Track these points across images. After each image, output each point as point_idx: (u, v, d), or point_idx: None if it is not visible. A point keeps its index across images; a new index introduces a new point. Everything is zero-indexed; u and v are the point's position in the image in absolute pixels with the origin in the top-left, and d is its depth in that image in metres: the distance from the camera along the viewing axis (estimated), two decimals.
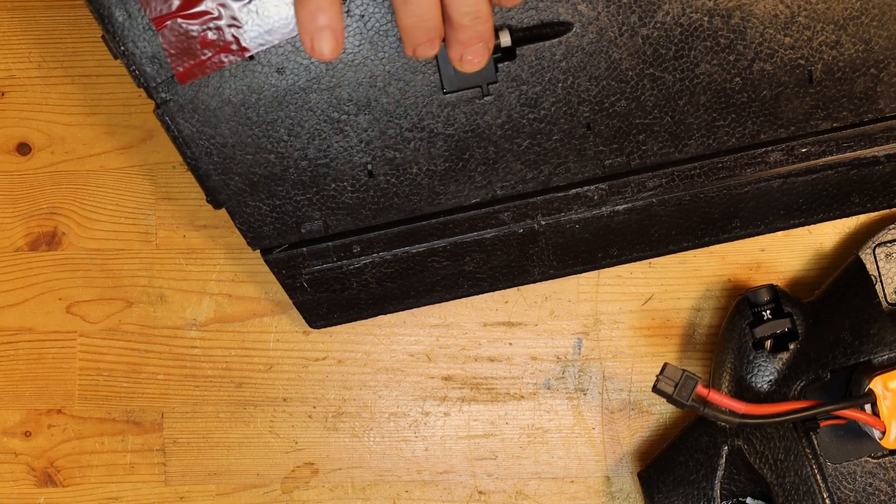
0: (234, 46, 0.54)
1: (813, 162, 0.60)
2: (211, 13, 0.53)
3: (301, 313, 0.63)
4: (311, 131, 0.57)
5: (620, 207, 0.60)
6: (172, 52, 0.54)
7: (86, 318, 0.67)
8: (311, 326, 0.64)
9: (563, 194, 0.59)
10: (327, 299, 0.62)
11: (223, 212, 0.65)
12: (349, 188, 0.58)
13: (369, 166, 0.58)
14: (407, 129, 0.57)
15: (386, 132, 0.57)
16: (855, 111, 0.59)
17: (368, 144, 0.57)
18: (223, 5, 0.53)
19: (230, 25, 0.53)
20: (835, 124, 0.59)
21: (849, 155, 0.60)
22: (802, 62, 0.57)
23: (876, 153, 0.60)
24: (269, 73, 0.56)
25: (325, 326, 0.64)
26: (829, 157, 0.60)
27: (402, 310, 0.63)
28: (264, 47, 0.54)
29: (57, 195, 0.67)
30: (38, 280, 0.67)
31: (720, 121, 0.58)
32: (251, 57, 0.55)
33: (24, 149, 0.67)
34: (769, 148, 0.59)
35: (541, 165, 0.58)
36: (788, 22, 0.57)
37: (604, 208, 0.60)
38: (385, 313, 0.64)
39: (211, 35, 0.53)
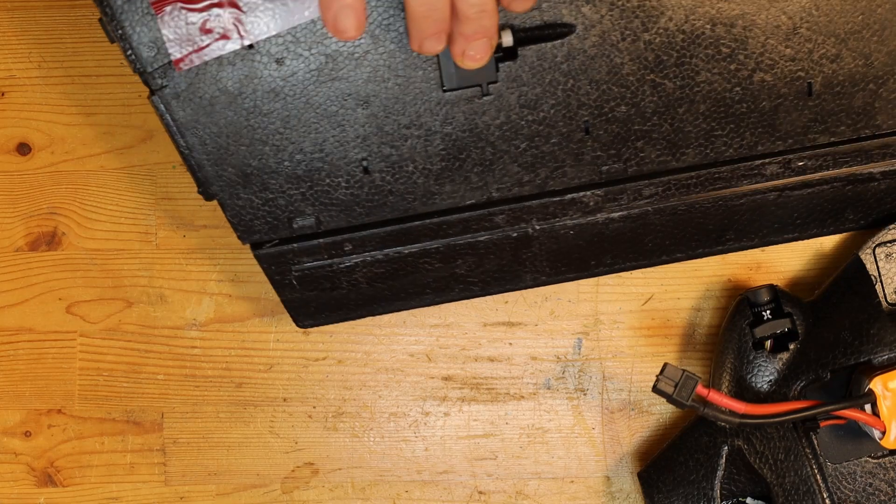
0: (233, 34, 0.54)
1: (809, 176, 0.60)
2: None
3: (289, 312, 0.62)
4: (307, 124, 0.57)
5: (615, 215, 0.60)
6: (171, 37, 0.53)
7: (86, 318, 0.67)
8: (298, 326, 0.63)
9: (558, 199, 0.59)
10: (316, 298, 0.62)
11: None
12: (343, 184, 0.58)
13: (365, 162, 0.58)
14: (404, 125, 0.57)
15: (383, 128, 0.57)
16: (853, 126, 0.59)
17: (365, 140, 0.57)
18: None
19: (231, 13, 0.53)
20: (832, 139, 0.59)
21: (845, 170, 0.60)
22: (802, 74, 0.57)
23: (871, 170, 0.60)
24: (267, 63, 0.55)
25: (312, 326, 0.63)
26: (825, 172, 0.60)
27: (392, 311, 0.63)
28: (264, 36, 0.54)
29: (57, 195, 0.67)
30: (38, 280, 0.67)
31: (718, 130, 0.58)
32: (250, 46, 0.55)
33: (24, 149, 0.67)
34: (766, 160, 0.59)
35: (537, 169, 0.58)
36: (790, 33, 0.57)
37: (599, 215, 0.60)
38: (374, 314, 0.63)
39: (211, 22, 0.53)
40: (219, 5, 0.53)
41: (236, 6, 0.53)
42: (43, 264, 0.67)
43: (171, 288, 0.67)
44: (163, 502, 0.67)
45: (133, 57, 0.54)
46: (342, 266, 0.60)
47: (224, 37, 0.53)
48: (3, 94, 0.67)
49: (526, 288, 0.62)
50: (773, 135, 0.58)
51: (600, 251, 0.61)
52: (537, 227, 0.60)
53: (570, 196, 0.59)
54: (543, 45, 0.56)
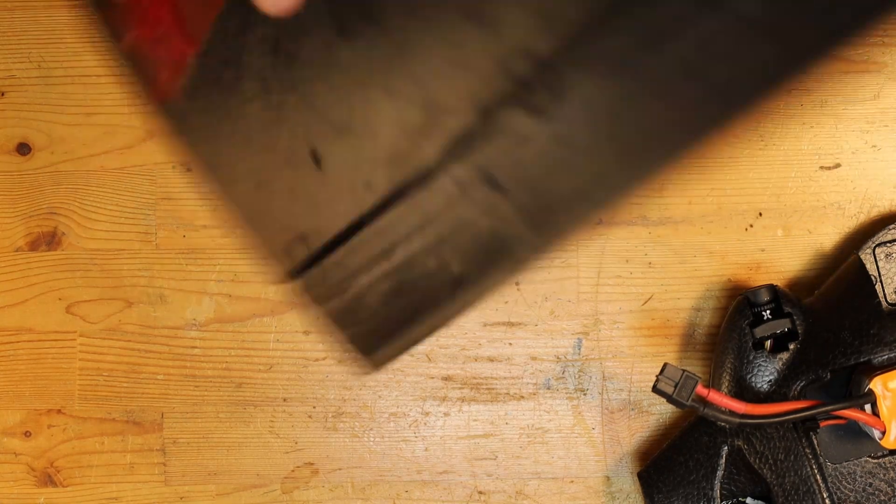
0: None
1: None
2: None
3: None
4: None
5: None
6: None
7: (86, 318, 0.67)
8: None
9: None
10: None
11: (223, 212, 0.65)
12: None
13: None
14: None
15: None
16: None
17: None
18: None
19: None
20: None
21: None
22: None
23: None
24: None
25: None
26: None
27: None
28: None
29: (57, 195, 0.67)
30: (38, 280, 0.67)
31: None
32: None
33: (24, 149, 0.67)
34: None
35: None
36: None
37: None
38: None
39: None
40: None
41: None
42: (43, 264, 0.67)
43: (171, 288, 0.67)
44: (163, 502, 0.67)
45: None
46: None
47: None
48: (3, 94, 0.67)
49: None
50: None
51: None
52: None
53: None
54: None
